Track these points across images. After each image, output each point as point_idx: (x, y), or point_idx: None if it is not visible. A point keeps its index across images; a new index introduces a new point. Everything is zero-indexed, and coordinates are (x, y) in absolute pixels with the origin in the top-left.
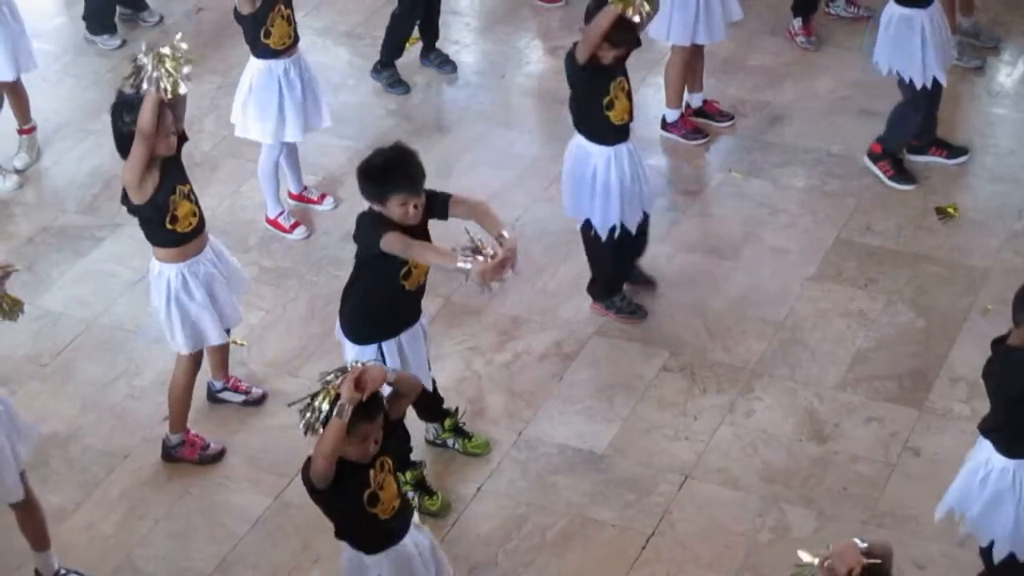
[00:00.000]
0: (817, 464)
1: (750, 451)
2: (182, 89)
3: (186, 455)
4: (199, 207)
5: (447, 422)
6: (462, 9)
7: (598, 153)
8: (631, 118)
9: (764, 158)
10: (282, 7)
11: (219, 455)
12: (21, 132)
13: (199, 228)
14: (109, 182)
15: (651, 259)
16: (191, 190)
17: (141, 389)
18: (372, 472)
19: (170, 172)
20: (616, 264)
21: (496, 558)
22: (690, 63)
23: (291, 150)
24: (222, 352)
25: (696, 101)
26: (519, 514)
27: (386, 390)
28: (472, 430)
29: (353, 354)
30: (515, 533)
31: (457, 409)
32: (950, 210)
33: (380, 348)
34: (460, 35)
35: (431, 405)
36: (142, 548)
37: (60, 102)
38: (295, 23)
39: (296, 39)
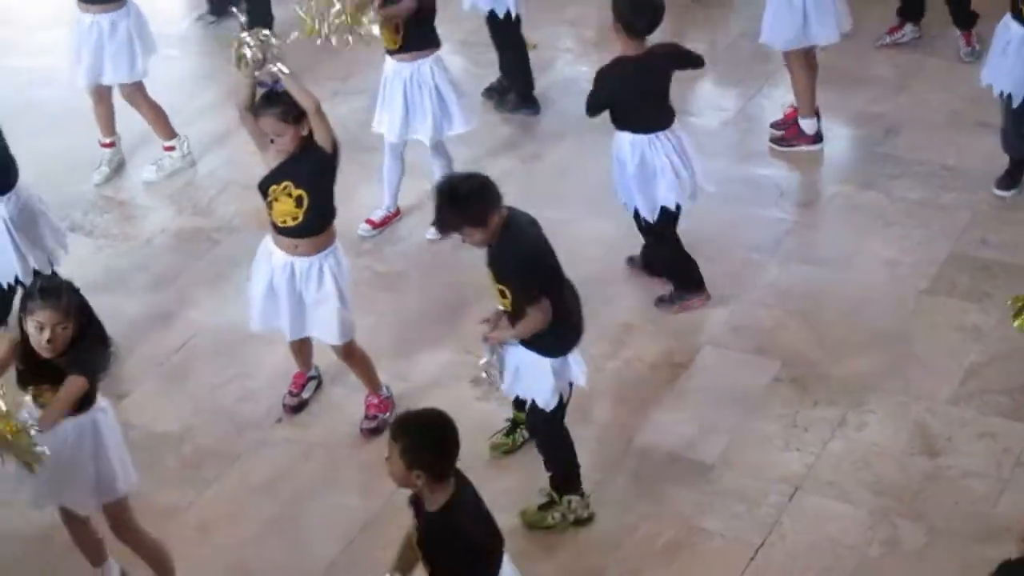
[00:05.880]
0: (928, 479)
1: (861, 464)
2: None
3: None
4: (310, 218)
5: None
6: (576, 20)
7: None
8: None
9: (878, 170)
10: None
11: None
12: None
13: (294, 232)
14: (226, 185)
15: (763, 270)
16: (306, 197)
17: (253, 391)
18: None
19: (284, 167)
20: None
21: (605, 566)
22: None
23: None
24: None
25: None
26: (628, 522)
27: None
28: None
29: None
30: (624, 541)
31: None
32: None
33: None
34: (574, 45)
35: None
36: (252, 549)
37: (178, 105)
38: (402, 33)
39: (403, 47)
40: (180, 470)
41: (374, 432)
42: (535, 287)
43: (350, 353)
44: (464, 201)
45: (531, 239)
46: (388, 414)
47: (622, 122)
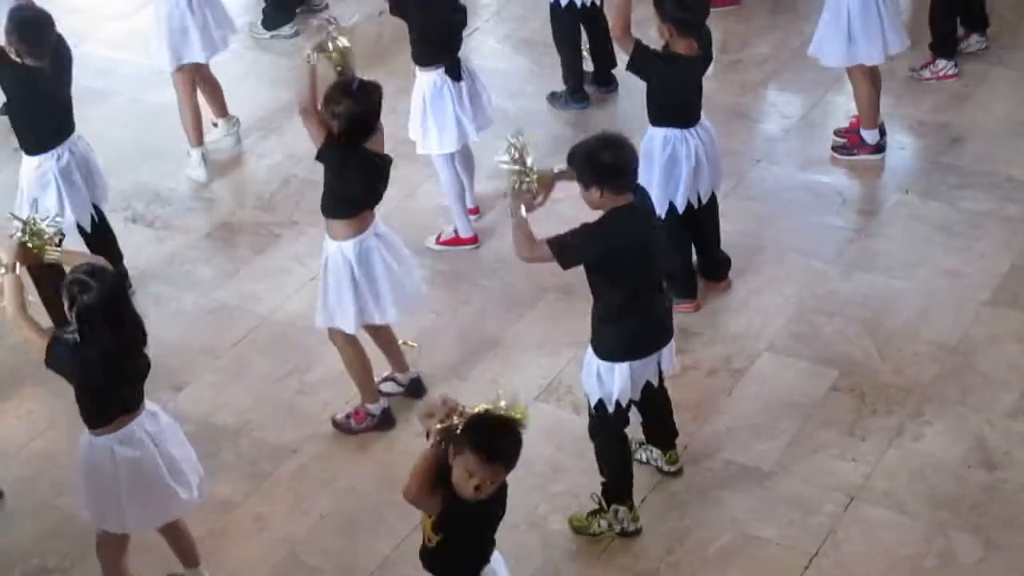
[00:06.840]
0: (986, 492)
1: (917, 475)
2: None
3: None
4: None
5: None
6: (639, 20)
7: None
8: None
9: (941, 179)
10: None
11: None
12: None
13: None
14: (288, 180)
15: (824, 278)
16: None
17: (311, 385)
18: None
19: None
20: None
21: (658, 570)
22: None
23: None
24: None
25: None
26: (682, 527)
27: None
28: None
29: None
30: (677, 546)
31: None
32: None
33: None
34: None
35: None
36: (307, 543)
37: (240, 100)
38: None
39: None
40: (237, 463)
41: (336, 426)
42: (569, 247)
43: (333, 340)
44: (588, 157)
45: (615, 230)
46: (359, 424)
47: (662, 117)
